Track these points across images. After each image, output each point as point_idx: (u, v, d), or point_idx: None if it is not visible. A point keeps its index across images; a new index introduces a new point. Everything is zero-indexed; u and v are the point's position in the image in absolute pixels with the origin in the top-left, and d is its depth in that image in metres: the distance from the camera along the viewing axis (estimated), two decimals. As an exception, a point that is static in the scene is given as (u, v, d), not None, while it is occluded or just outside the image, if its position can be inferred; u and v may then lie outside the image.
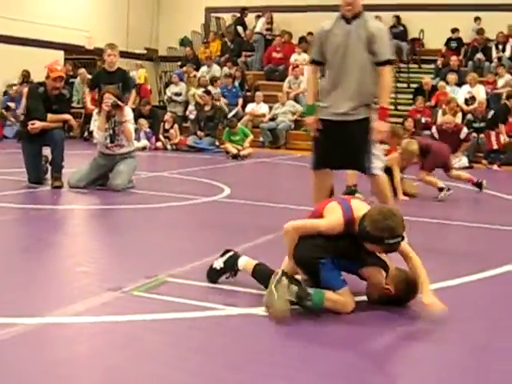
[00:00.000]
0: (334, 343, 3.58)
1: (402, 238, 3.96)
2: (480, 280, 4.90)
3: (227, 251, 4.53)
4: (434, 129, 14.13)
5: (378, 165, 5.70)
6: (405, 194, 9.04)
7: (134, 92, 10.63)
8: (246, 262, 4.39)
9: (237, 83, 18.24)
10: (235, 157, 13.60)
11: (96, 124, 8.70)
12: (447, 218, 7.54)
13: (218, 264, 4.46)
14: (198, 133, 15.57)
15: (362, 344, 3.57)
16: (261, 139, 16.35)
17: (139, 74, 18.99)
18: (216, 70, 19.13)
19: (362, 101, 5.66)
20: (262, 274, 4.25)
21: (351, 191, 7.88)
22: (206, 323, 3.81)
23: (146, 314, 3.84)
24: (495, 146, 14.19)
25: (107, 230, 6.53)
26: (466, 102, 15.80)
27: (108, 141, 8.59)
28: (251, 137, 14.40)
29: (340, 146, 5.67)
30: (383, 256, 4.13)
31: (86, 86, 11.67)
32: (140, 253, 5.43)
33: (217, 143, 15.37)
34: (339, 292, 3.97)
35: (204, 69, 19.21)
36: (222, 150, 14.38)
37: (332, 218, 4.07)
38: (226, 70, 19.03)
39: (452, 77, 16.69)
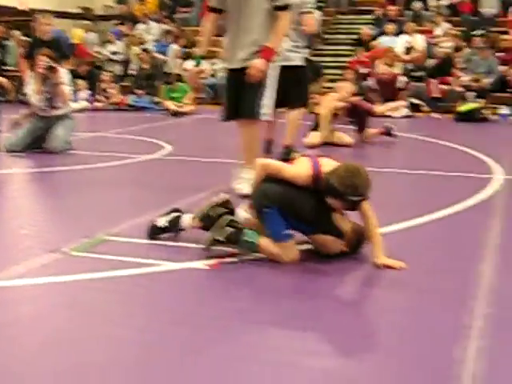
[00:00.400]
0: (278, 293, 3.60)
1: (365, 198, 3.99)
2: (422, 224, 4.98)
3: (174, 211, 4.48)
4: (372, 79, 14.24)
5: (266, 111, 5.75)
6: (336, 144, 9.28)
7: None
8: (190, 219, 4.35)
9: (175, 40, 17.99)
10: (175, 114, 13.47)
11: (31, 87, 8.51)
12: (387, 166, 7.60)
13: (162, 222, 4.41)
14: (138, 91, 15.38)
15: (302, 293, 3.60)
16: (201, 96, 16.21)
17: (74, 33, 18.61)
18: (154, 27, 18.85)
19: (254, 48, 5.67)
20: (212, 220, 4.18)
21: (288, 151, 7.73)
22: (147, 279, 3.81)
23: (86, 274, 3.82)
24: (436, 94, 14.30)
25: (47, 193, 6.45)
26: (405, 51, 15.87)
27: (44, 104, 8.42)
28: (191, 93, 14.26)
29: (240, 94, 5.70)
30: (340, 217, 4.14)
31: (21, 49, 11.37)
32: (79, 213, 5.39)
33: (156, 100, 15.16)
34: (280, 244, 3.99)
35: (141, 26, 18.92)
36: (163, 107, 14.22)
37: (299, 167, 4.09)
38: (163, 26, 18.76)
39: (390, 27, 16.71)
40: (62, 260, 4.09)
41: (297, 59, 7.64)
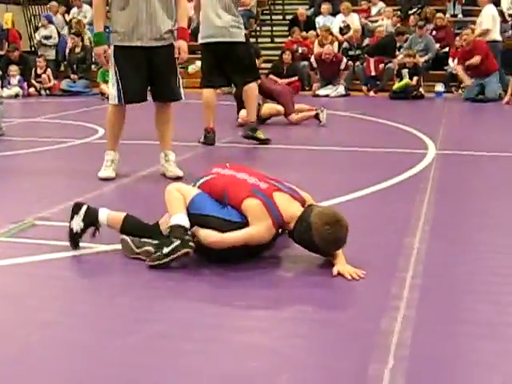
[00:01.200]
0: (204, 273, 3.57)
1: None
2: (354, 199, 5.01)
3: (77, 206, 3.94)
4: (312, 58, 14.24)
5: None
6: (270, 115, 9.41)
7: None
8: (109, 214, 3.91)
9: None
10: (111, 98, 13.26)
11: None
12: (324, 144, 7.62)
13: (77, 225, 3.87)
14: (72, 76, 15.13)
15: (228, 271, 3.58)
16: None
17: (5, 18, 18.21)
18: (87, 10, 18.53)
19: (168, 26, 5.71)
20: (133, 228, 3.87)
21: (252, 128, 7.64)
22: (76, 262, 3.75)
23: (9, 259, 3.74)
24: (373, 73, 14.37)
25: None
26: (341, 31, 15.91)
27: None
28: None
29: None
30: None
31: None
32: (6, 199, 5.30)
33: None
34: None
35: (74, 10, 18.59)
36: (98, 92, 14.00)
37: (262, 227, 3.58)
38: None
39: (326, 7, 16.74)
40: (-12, 246, 4.00)
41: (241, 36, 7.53)
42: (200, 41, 7.59)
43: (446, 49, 15.02)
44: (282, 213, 3.61)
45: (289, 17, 17.66)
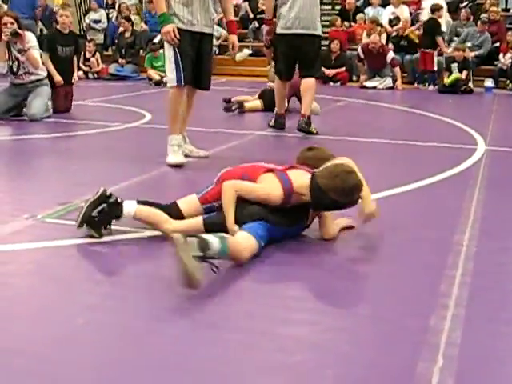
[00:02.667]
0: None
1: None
2: (402, 193, 4.94)
3: (104, 197, 3.82)
4: (359, 49, 14.11)
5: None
6: None
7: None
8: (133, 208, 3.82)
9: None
10: (158, 83, 13.32)
11: (-5, 54, 8.26)
12: (372, 137, 7.54)
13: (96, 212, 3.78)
14: (120, 60, 15.20)
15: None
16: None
17: (56, 0, 18.35)
18: (137, -5, 18.62)
19: (214, 15, 5.96)
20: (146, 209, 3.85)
21: (306, 122, 7.53)
22: (119, 246, 3.73)
23: (56, 241, 3.75)
24: (435, 67, 14.04)
25: (22, 160, 6.32)
26: (390, 22, 15.74)
27: (12, 70, 8.22)
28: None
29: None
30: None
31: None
32: (55, 181, 5.33)
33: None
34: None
35: (124, -6, 18.67)
36: (145, 77, 14.07)
37: (270, 187, 3.71)
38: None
39: (376, -3, 16.58)
40: (35, 226, 4.02)
41: (320, 29, 7.63)
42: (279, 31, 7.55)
43: (497, 44, 14.79)
44: (292, 182, 3.73)
45: (338, 7, 17.50)
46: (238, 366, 2.42)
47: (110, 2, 18.62)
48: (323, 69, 13.90)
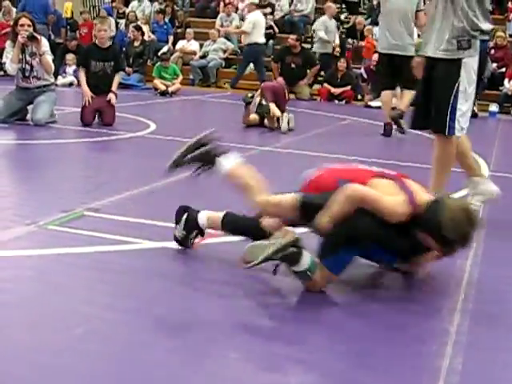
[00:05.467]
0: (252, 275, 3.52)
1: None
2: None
3: (182, 212, 3.82)
4: (362, 69, 14.16)
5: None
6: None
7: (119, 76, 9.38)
8: (208, 217, 3.77)
9: (167, 19, 17.83)
10: (163, 94, 13.33)
11: (9, 56, 8.23)
12: (370, 156, 7.53)
13: (180, 233, 3.79)
14: (127, 69, 15.20)
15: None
16: (191, 77, 16.09)
17: (65, 7, 18.41)
18: (147, 5, 18.66)
19: None
20: (236, 225, 3.74)
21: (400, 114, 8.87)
22: (120, 257, 3.73)
23: (58, 248, 3.74)
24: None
25: (26, 165, 6.32)
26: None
27: (22, 74, 8.20)
28: (181, 77, 14.09)
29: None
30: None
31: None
32: (58, 187, 5.32)
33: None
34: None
35: (134, 4, 18.74)
36: (151, 86, 14.08)
37: (396, 201, 3.22)
38: (156, 5, 18.58)
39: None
40: (37, 233, 4.00)
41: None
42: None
43: (503, 69, 14.82)
44: (415, 196, 3.25)
45: (346, 25, 17.55)
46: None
47: (120, 11, 18.66)
48: (329, 86, 13.95)
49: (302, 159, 7.15)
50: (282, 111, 9.08)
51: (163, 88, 13.48)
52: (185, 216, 3.78)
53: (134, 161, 6.48)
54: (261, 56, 15.01)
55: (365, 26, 16.54)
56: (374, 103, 13.73)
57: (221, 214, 3.75)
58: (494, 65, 14.79)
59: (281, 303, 3.26)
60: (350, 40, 16.43)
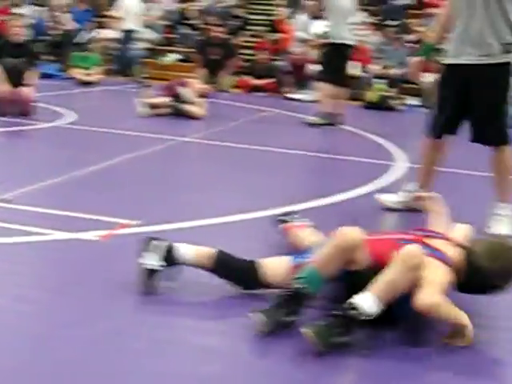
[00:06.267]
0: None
1: None
2: (313, 208, 4.95)
3: (158, 241, 3.19)
4: (286, 61, 14.25)
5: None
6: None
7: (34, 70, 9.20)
8: (198, 252, 3.21)
9: (87, 7, 17.52)
10: (84, 83, 13.13)
11: None
12: (289, 148, 7.59)
13: (155, 263, 3.13)
14: (46, 58, 14.92)
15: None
16: (112, 66, 15.85)
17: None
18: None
19: None
20: (232, 268, 3.20)
21: None
22: (32, 248, 3.68)
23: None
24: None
25: None
26: (320, 35, 15.85)
27: None
28: (101, 66, 13.90)
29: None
30: None
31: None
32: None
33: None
34: None
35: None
36: (70, 76, 13.84)
37: (442, 272, 2.94)
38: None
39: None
40: None
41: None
42: None
43: (423, 63, 15.09)
44: (448, 256, 3.05)
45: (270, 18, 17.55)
46: (141, 374, 2.40)
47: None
48: (250, 78, 14.02)
49: (220, 150, 7.15)
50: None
51: (83, 78, 13.27)
52: (165, 244, 3.17)
53: (49, 151, 6.38)
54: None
55: (284, 18, 16.60)
56: (295, 95, 13.82)
57: (212, 251, 3.22)
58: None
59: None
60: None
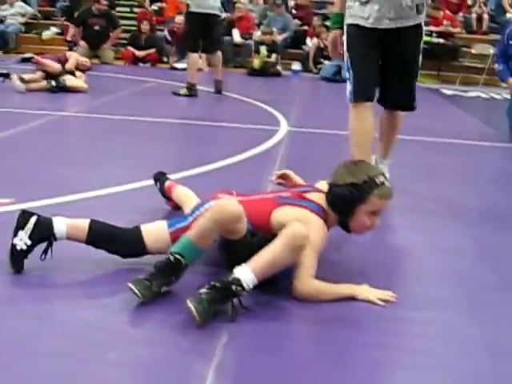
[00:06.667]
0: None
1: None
2: (197, 175, 4.94)
3: (25, 217, 3.02)
4: (165, 31, 14.15)
5: None
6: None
7: None
8: (68, 224, 3.05)
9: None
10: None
11: None
12: (168, 117, 7.53)
13: (22, 241, 2.97)
14: None
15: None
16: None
17: None
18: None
19: None
20: (103, 236, 3.07)
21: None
22: None
23: None
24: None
25: None
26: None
27: None
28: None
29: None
30: None
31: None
32: None
33: None
34: None
35: None
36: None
37: (317, 230, 2.97)
38: None
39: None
40: None
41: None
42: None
43: (306, 27, 15.25)
44: (317, 202, 3.09)
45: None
46: (18, 352, 2.33)
47: None
48: (133, 49, 13.82)
49: (101, 123, 7.02)
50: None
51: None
52: (33, 219, 3.01)
53: None
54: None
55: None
56: (179, 65, 13.71)
57: (86, 222, 3.08)
58: (297, 22, 15.21)
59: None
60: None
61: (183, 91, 9.30)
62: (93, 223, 3.07)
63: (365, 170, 3.06)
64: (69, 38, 14.70)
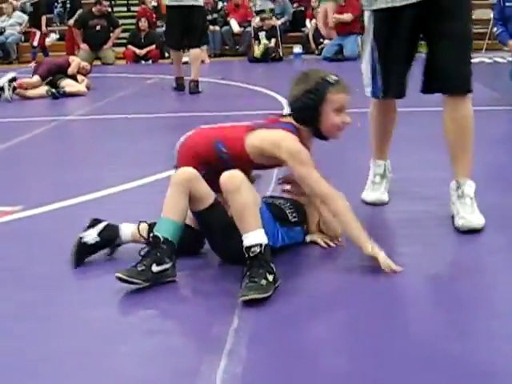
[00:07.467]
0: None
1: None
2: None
3: (96, 220, 3.22)
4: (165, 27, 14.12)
5: None
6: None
7: None
8: (134, 228, 3.14)
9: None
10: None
11: None
12: (182, 111, 7.53)
13: (91, 236, 3.13)
14: None
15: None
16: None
17: None
18: None
19: None
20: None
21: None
22: None
23: None
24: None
25: None
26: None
27: None
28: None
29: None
30: None
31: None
32: None
33: None
34: None
35: None
36: None
37: (290, 140, 3.04)
38: None
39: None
40: None
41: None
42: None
43: (302, 8, 15.21)
44: (286, 120, 3.16)
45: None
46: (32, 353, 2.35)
47: None
48: (133, 48, 13.83)
49: (105, 124, 7.04)
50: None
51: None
52: (104, 223, 3.18)
53: None
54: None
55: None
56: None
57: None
58: (294, 4, 15.17)
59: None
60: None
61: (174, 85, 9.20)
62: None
63: (314, 74, 3.12)
64: (35, 44, 14.77)
